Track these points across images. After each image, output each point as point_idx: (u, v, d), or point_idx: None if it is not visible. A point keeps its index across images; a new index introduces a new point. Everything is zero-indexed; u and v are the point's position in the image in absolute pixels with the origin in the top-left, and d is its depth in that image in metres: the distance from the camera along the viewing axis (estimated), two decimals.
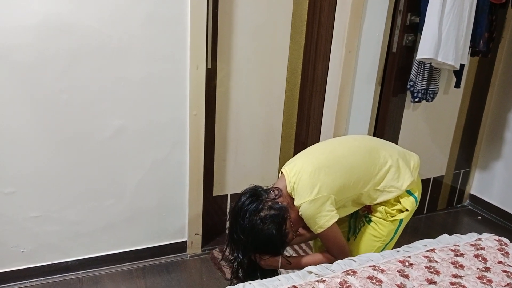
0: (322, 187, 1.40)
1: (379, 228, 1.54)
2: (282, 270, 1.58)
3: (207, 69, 2.06)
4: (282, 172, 1.55)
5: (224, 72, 2.19)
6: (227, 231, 1.52)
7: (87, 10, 1.75)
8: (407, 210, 1.53)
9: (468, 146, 3.01)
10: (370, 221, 1.56)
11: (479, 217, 3.00)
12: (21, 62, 1.72)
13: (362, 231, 1.58)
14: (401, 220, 1.54)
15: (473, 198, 3.14)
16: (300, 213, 1.45)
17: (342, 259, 1.31)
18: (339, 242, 1.48)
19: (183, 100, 2.04)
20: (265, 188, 1.51)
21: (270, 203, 1.44)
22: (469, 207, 3.13)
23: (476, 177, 3.12)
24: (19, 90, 1.75)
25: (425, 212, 2.98)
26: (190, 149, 2.12)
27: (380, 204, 1.53)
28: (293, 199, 1.47)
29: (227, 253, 1.55)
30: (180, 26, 1.93)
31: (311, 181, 1.41)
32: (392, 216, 1.53)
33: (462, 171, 3.06)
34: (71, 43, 1.77)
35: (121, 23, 1.82)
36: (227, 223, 1.52)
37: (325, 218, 1.40)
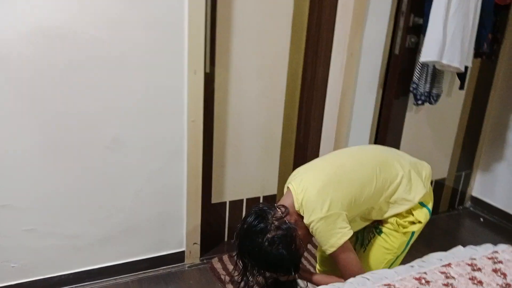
0: (333, 203, 1.33)
1: (390, 240, 1.48)
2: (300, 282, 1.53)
3: (205, 74, 1.98)
4: (288, 188, 1.48)
5: (222, 77, 2.12)
6: (235, 255, 1.44)
7: (82, 18, 1.67)
8: (419, 222, 1.47)
9: (470, 148, 2.97)
10: (381, 232, 1.50)
11: (481, 219, 2.96)
12: (16, 71, 1.63)
13: (372, 243, 1.51)
14: (413, 232, 1.47)
15: (475, 200, 3.11)
16: (311, 231, 1.38)
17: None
18: (353, 266, 1.37)
19: (181, 106, 1.97)
20: (271, 206, 1.43)
21: (276, 223, 1.36)
22: (471, 209, 3.10)
23: (478, 179, 3.08)
24: (14, 100, 1.66)
25: None
26: (188, 157, 2.04)
27: (392, 215, 1.47)
28: (302, 216, 1.39)
29: (236, 276, 1.48)
30: (177, 31, 1.85)
31: (321, 197, 1.34)
32: (404, 228, 1.46)
33: (463, 173, 3.01)
34: (67, 52, 1.68)
35: (118, 30, 1.74)
36: (236, 244, 1.44)
37: (337, 236, 1.33)
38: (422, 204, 1.47)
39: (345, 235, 1.34)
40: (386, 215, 1.46)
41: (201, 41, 1.90)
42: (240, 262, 1.43)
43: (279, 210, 1.39)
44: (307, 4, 2.20)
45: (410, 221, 1.46)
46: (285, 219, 1.37)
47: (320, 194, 1.34)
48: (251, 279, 1.41)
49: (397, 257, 1.51)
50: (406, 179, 1.44)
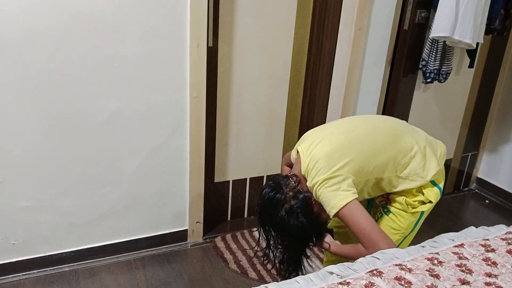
0: (340, 167, 1.27)
1: (398, 220, 1.43)
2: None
3: (208, 48, 1.91)
4: (298, 152, 1.42)
5: (225, 51, 2.05)
6: (256, 230, 1.43)
7: None
8: (430, 202, 1.41)
9: (477, 129, 2.91)
10: (388, 211, 1.45)
11: (487, 201, 2.92)
12: (7, 38, 1.56)
13: (379, 223, 1.46)
14: (423, 212, 1.42)
15: (480, 182, 3.06)
16: (314, 195, 1.32)
17: (374, 250, 1.18)
18: (363, 225, 1.25)
19: (183, 81, 1.90)
20: (285, 176, 1.38)
21: (291, 193, 1.32)
22: (476, 190, 3.06)
23: (484, 160, 3.04)
24: (5, 68, 1.59)
25: None
26: (191, 133, 1.99)
27: (401, 194, 1.41)
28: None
29: (260, 250, 1.46)
30: (180, 3, 1.78)
31: (328, 161, 1.28)
32: (413, 208, 1.41)
33: (470, 154, 2.97)
34: (62, 19, 1.61)
35: (117, 2, 1.67)
36: (256, 218, 1.41)
37: (339, 197, 1.25)
38: (433, 183, 1.42)
39: (349, 196, 1.25)
40: (395, 190, 1.40)
41: (203, 14, 1.83)
42: (264, 235, 1.40)
43: (291, 179, 1.35)
44: None
45: (420, 200, 1.41)
46: (298, 187, 1.33)
47: (328, 158, 1.28)
48: (276, 251, 1.39)
49: (405, 237, 1.46)
50: (420, 155, 1.38)
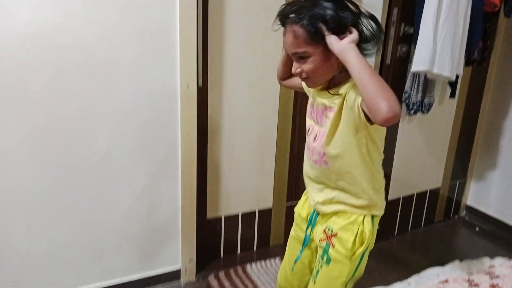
0: None
1: (339, 268, 1.34)
2: None
3: (198, 88, 1.97)
4: None
5: (215, 89, 2.11)
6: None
7: (74, 24, 1.65)
8: (363, 242, 1.32)
9: (463, 156, 2.97)
10: (329, 260, 1.36)
11: (477, 228, 2.95)
12: (5, 75, 1.60)
13: (321, 273, 1.38)
14: (363, 254, 1.34)
15: (470, 209, 3.10)
16: None
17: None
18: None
19: (174, 121, 1.95)
20: None
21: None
22: (466, 218, 3.09)
23: (472, 187, 3.08)
24: (2, 105, 1.62)
25: (422, 225, 2.92)
26: (182, 171, 2.02)
27: (345, 229, 1.33)
28: None
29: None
30: (169, 43, 1.84)
31: None
32: (353, 254, 1.32)
33: (458, 181, 3.01)
34: (57, 58, 1.66)
35: (109, 39, 1.72)
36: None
37: None
38: (372, 219, 1.33)
39: None
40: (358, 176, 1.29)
41: (193, 56, 1.89)
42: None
43: None
44: None
45: (359, 241, 1.33)
46: None
47: None
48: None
49: (351, 277, 1.37)
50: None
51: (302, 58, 1.21)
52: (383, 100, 1.00)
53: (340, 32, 1.15)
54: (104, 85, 1.77)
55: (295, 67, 1.25)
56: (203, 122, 2.10)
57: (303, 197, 1.52)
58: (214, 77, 2.08)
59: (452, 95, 2.56)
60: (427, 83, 2.38)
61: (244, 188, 2.33)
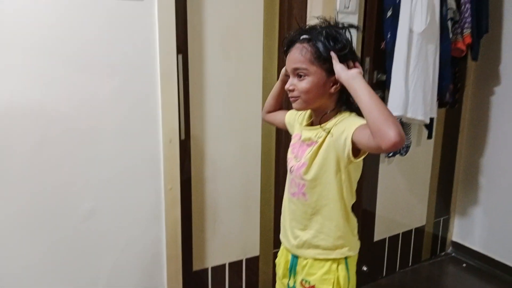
0: None
1: None
2: None
3: (180, 141, 2.02)
4: None
5: (198, 142, 2.16)
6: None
7: (53, 92, 1.70)
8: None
9: (445, 194, 3.04)
10: None
11: (464, 265, 2.97)
12: None
13: None
14: None
15: (456, 245, 3.13)
16: None
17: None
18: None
19: (157, 175, 1.98)
20: None
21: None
22: (453, 254, 3.11)
23: (457, 224, 3.13)
24: None
25: (410, 264, 2.93)
26: (166, 224, 2.03)
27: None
28: None
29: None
30: (150, 100, 1.90)
31: None
32: None
33: (442, 218, 3.06)
34: (37, 128, 1.70)
35: (88, 103, 1.77)
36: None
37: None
38: (346, 264, 1.34)
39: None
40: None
41: (175, 111, 1.95)
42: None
43: None
44: (275, 69, 2.29)
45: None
46: None
47: None
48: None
49: None
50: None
51: (299, 76, 1.27)
52: (392, 125, 1.05)
53: (345, 62, 1.23)
54: (85, 148, 1.81)
55: (290, 83, 1.30)
56: (186, 174, 2.14)
57: (280, 251, 1.56)
58: (197, 130, 2.14)
59: (429, 136, 2.66)
60: (403, 126, 2.46)
61: (230, 238, 2.34)
